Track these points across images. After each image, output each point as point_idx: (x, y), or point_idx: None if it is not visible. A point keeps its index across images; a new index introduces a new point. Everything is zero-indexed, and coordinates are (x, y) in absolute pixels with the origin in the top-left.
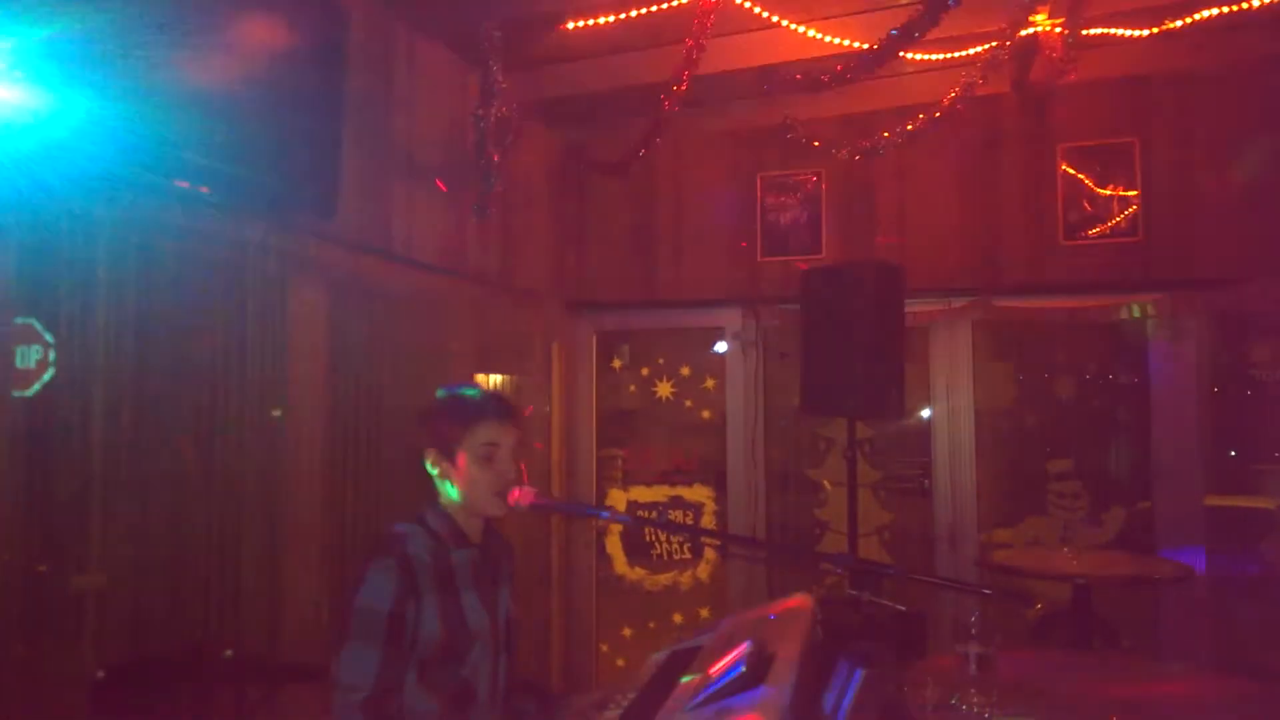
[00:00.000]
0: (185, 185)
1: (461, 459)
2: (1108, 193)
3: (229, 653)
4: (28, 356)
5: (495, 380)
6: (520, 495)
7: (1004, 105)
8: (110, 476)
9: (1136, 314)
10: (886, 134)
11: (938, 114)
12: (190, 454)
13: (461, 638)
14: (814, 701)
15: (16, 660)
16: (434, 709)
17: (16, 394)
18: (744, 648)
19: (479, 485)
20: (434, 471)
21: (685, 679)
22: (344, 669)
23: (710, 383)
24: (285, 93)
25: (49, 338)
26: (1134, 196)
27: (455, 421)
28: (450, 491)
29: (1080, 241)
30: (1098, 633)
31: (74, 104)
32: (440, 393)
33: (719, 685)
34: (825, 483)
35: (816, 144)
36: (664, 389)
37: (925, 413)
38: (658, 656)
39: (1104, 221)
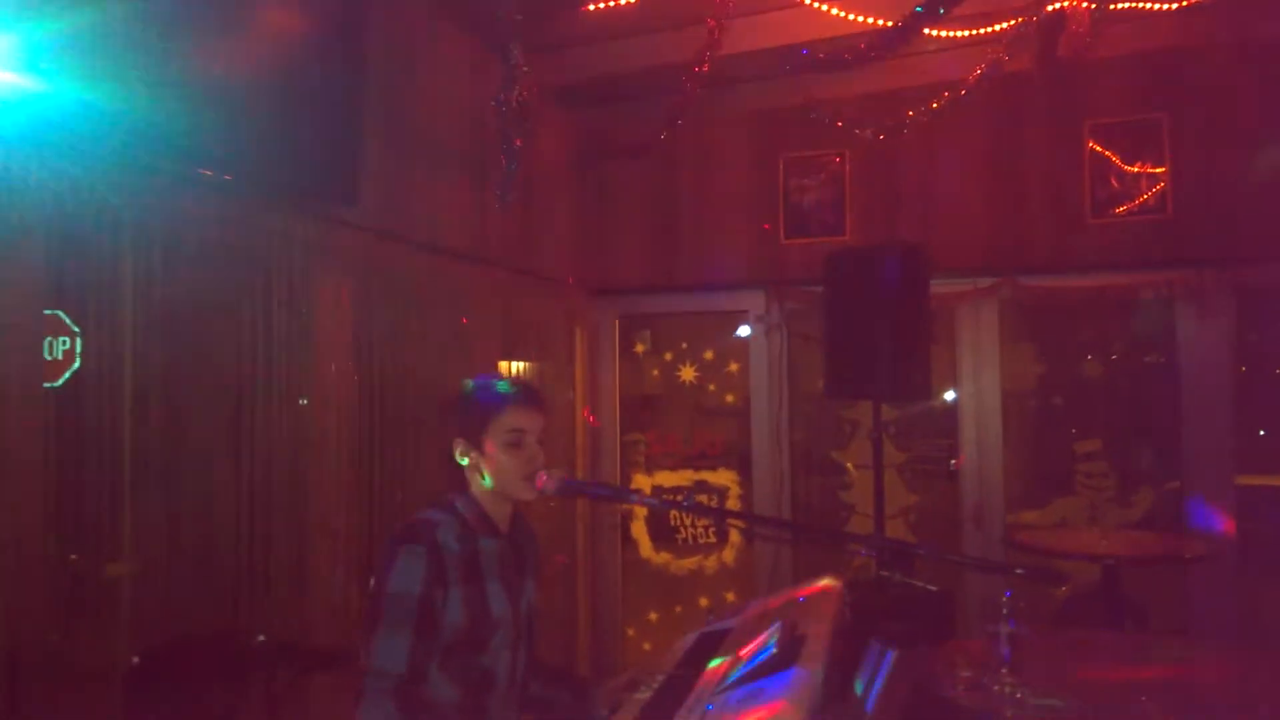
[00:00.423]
0: (209, 174)
1: (489, 447)
2: (1135, 169)
3: (261, 638)
4: (55, 348)
5: (518, 367)
6: (548, 479)
7: (1030, 82)
8: (140, 465)
9: (1165, 292)
10: (911, 113)
11: (963, 92)
12: (218, 442)
13: (484, 626)
14: (846, 683)
15: (52, 648)
16: (454, 696)
17: (45, 385)
18: (774, 630)
19: (507, 471)
20: (463, 461)
21: (715, 661)
22: (376, 654)
23: (734, 367)
24: (306, 80)
25: (75, 329)
26: (1162, 173)
27: (481, 410)
28: (479, 480)
29: (1108, 219)
30: (1127, 613)
31: (97, 95)
32: (465, 383)
33: (750, 667)
34: (850, 465)
35: (840, 124)
36: (687, 373)
37: (951, 394)
38: (686, 639)
39: (1132, 199)
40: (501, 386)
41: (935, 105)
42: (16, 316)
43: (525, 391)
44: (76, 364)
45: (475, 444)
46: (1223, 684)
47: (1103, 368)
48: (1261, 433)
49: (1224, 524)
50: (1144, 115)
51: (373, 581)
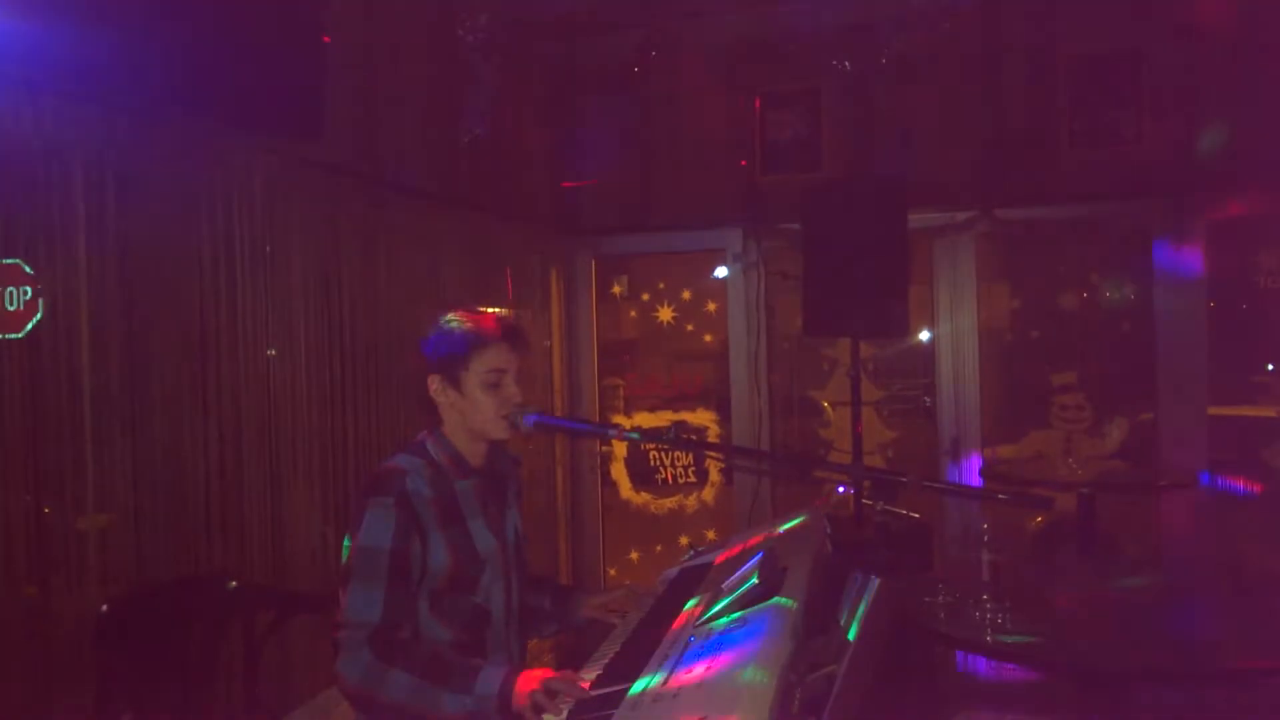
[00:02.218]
0: (165, 108)
1: (467, 385)
2: (1112, 102)
3: (233, 583)
4: (15, 298)
5: (493, 310)
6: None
7: (1007, 12)
8: (106, 415)
9: (1140, 224)
10: (888, 43)
11: (940, 21)
12: (185, 386)
13: (471, 565)
14: (828, 612)
15: (25, 601)
16: (449, 636)
17: (7, 336)
18: (755, 562)
19: (485, 410)
20: (440, 399)
21: (698, 593)
22: (350, 607)
23: (712, 306)
24: (266, 10)
25: (35, 276)
26: (1138, 105)
27: (460, 348)
28: (455, 418)
29: (1084, 151)
30: (1101, 541)
31: (41, 26)
32: (446, 318)
33: (732, 599)
34: (827, 404)
35: (815, 56)
36: (665, 314)
37: (928, 331)
38: (669, 573)
39: (1108, 130)
40: (481, 324)
41: (911, 36)
42: None
43: (507, 329)
44: (40, 314)
45: (453, 382)
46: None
47: (1078, 301)
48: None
49: (1197, 462)
50: (1120, 46)
51: (346, 535)
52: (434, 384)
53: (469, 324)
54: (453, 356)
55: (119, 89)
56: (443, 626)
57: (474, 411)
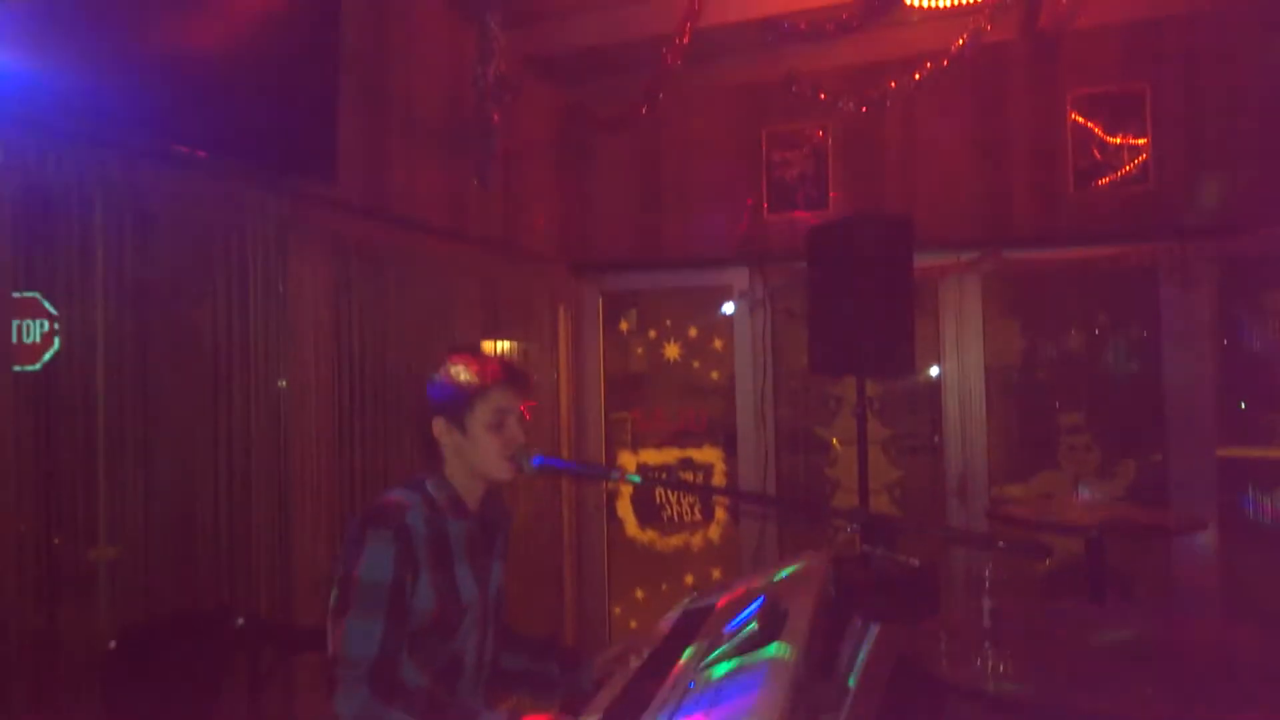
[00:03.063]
0: (182, 150)
1: (472, 427)
2: (1118, 140)
3: (240, 620)
4: (33, 331)
5: (502, 346)
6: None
7: (1012, 53)
8: (118, 448)
9: (1148, 264)
10: (893, 85)
11: (945, 63)
12: (197, 422)
13: (453, 611)
14: (828, 659)
15: (34, 631)
16: (423, 683)
17: (21, 368)
18: (757, 605)
19: (490, 452)
20: (445, 441)
21: (699, 637)
22: (348, 642)
23: (718, 343)
24: (281, 54)
25: (54, 311)
26: (1144, 144)
27: (464, 390)
28: (458, 460)
29: (1091, 191)
30: (1111, 585)
31: (64, 72)
32: (447, 361)
33: (732, 644)
34: (835, 441)
35: (822, 96)
36: (672, 350)
37: (935, 369)
38: (670, 616)
39: (1114, 170)
40: (485, 366)
41: (917, 77)
42: None
43: (510, 372)
44: (55, 347)
45: (458, 424)
46: (1205, 651)
47: (1086, 340)
48: (1243, 405)
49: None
50: (1125, 86)
51: (340, 566)
52: (438, 426)
53: (473, 367)
54: (457, 399)
55: (139, 133)
56: (418, 672)
57: (478, 453)
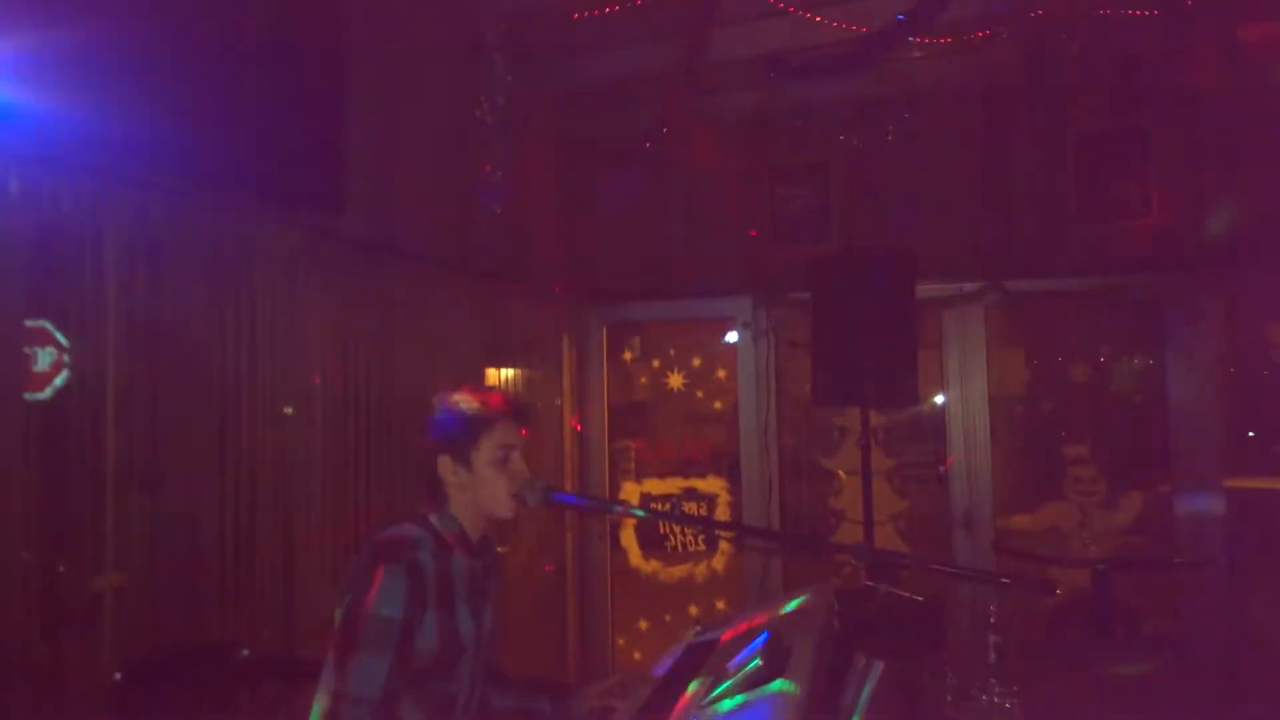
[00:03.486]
0: (192, 185)
1: (478, 464)
2: (1121, 174)
3: (245, 652)
4: (42, 359)
5: (506, 375)
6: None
7: (1015, 87)
8: (124, 476)
9: (1151, 295)
10: (895, 118)
11: (947, 97)
12: (203, 452)
13: (453, 651)
14: (832, 694)
15: (37, 661)
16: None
17: (31, 396)
18: (760, 641)
19: (496, 488)
20: (450, 479)
21: (703, 672)
22: (354, 679)
23: (722, 373)
24: (291, 89)
25: (63, 340)
26: (1147, 177)
27: (469, 427)
28: (463, 497)
29: (1094, 223)
30: (1118, 618)
31: (76, 108)
32: (452, 398)
33: (736, 680)
34: (840, 472)
35: (825, 130)
36: (675, 380)
37: (939, 399)
38: (673, 650)
39: (1117, 203)
40: (488, 403)
41: (919, 111)
42: None
43: (513, 407)
44: (64, 376)
45: (464, 461)
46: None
47: (1090, 371)
48: (1251, 434)
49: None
50: (1128, 120)
51: (347, 598)
52: (444, 464)
53: (476, 403)
54: (462, 436)
55: (150, 168)
56: (415, 712)
57: (484, 490)
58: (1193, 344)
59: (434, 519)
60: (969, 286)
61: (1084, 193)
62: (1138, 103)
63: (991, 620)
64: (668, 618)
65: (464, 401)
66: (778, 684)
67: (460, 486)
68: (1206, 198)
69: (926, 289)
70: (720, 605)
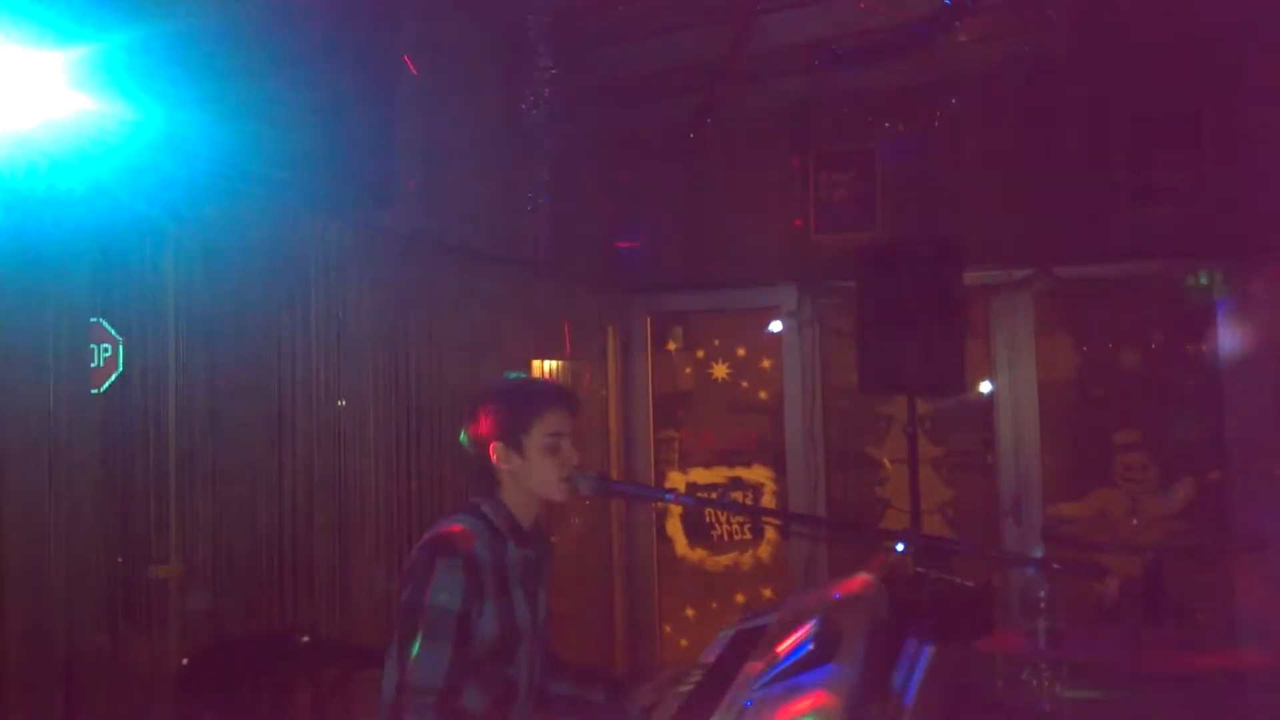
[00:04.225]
0: (248, 185)
1: (529, 450)
2: (1172, 157)
3: (305, 638)
4: (98, 355)
5: (550, 366)
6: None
7: (1062, 70)
8: (184, 469)
9: (1204, 280)
10: (941, 104)
11: (993, 81)
12: (260, 445)
13: (512, 636)
14: (883, 678)
15: (105, 651)
16: (482, 707)
17: (91, 391)
18: (811, 626)
19: (548, 474)
20: (503, 465)
21: (753, 658)
22: (417, 669)
23: (767, 363)
24: (341, 87)
25: (118, 336)
26: (1199, 160)
27: (521, 413)
28: (514, 484)
29: (1144, 207)
30: (1170, 607)
31: (136, 111)
32: (501, 385)
33: (787, 663)
34: (886, 460)
35: (869, 117)
36: (720, 370)
37: (987, 386)
38: (723, 636)
39: (1168, 187)
40: (540, 389)
41: (966, 96)
42: (64, 326)
43: (563, 394)
44: (119, 370)
45: (516, 447)
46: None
47: (1141, 357)
48: None
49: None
50: (1179, 102)
51: (406, 592)
52: (497, 451)
53: (529, 390)
54: (515, 422)
55: (207, 166)
56: (479, 696)
57: (535, 475)
58: (1246, 328)
59: (486, 508)
60: (1017, 273)
61: (1134, 177)
62: (1189, 85)
63: (1042, 606)
64: (714, 606)
65: (515, 388)
66: (829, 668)
67: (512, 473)
68: (1259, 181)
69: (973, 275)
70: (767, 594)
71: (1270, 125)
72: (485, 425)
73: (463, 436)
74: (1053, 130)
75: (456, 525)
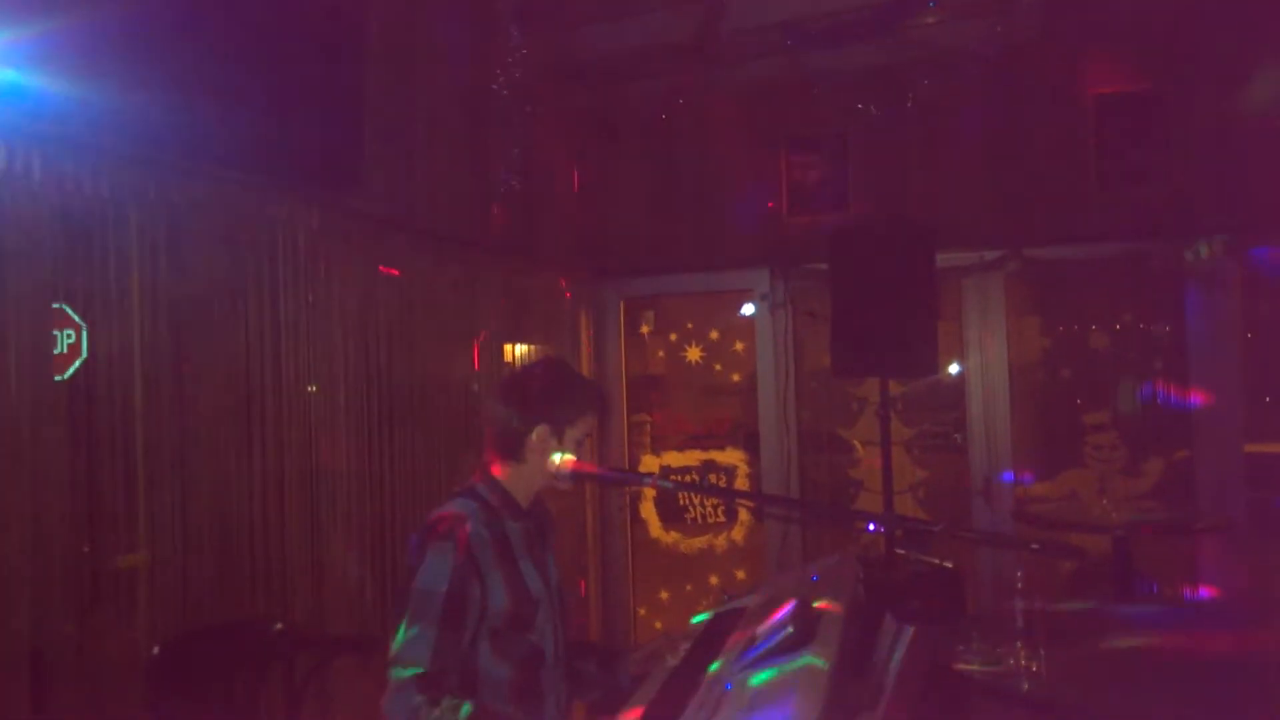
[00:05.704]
0: (211, 165)
1: (566, 441)
2: (1140, 139)
3: (279, 626)
4: (60, 341)
5: (522, 350)
6: (562, 463)
7: (1034, 51)
8: (151, 456)
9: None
10: (912, 85)
11: (965, 62)
12: (229, 431)
13: (526, 605)
14: (862, 659)
15: (72, 640)
16: (507, 674)
17: (54, 378)
18: (789, 608)
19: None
20: (536, 447)
21: (731, 640)
22: (402, 648)
23: (739, 346)
24: (306, 67)
25: (81, 322)
26: (1168, 142)
27: (576, 407)
28: (534, 462)
29: (1113, 190)
30: (1138, 584)
31: (95, 91)
32: (559, 371)
33: (767, 645)
34: (858, 443)
35: (841, 99)
36: (693, 353)
37: (957, 368)
38: (702, 617)
39: (1137, 169)
40: (593, 390)
41: (937, 77)
42: (25, 311)
43: (604, 399)
44: (83, 356)
45: (558, 435)
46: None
47: (1109, 338)
48: (1268, 400)
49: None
50: (1148, 84)
51: (403, 579)
52: (540, 431)
53: (585, 387)
54: (566, 414)
55: (170, 149)
56: (503, 666)
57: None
58: (1213, 309)
59: (481, 488)
60: (989, 254)
61: (1104, 158)
62: (1158, 65)
63: (1019, 586)
64: (688, 588)
65: (576, 382)
66: (809, 649)
67: (541, 454)
68: (1229, 163)
69: (946, 258)
70: (741, 576)
71: (1237, 107)
72: (539, 405)
73: (499, 405)
74: (1023, 112)
75: (449, 510)
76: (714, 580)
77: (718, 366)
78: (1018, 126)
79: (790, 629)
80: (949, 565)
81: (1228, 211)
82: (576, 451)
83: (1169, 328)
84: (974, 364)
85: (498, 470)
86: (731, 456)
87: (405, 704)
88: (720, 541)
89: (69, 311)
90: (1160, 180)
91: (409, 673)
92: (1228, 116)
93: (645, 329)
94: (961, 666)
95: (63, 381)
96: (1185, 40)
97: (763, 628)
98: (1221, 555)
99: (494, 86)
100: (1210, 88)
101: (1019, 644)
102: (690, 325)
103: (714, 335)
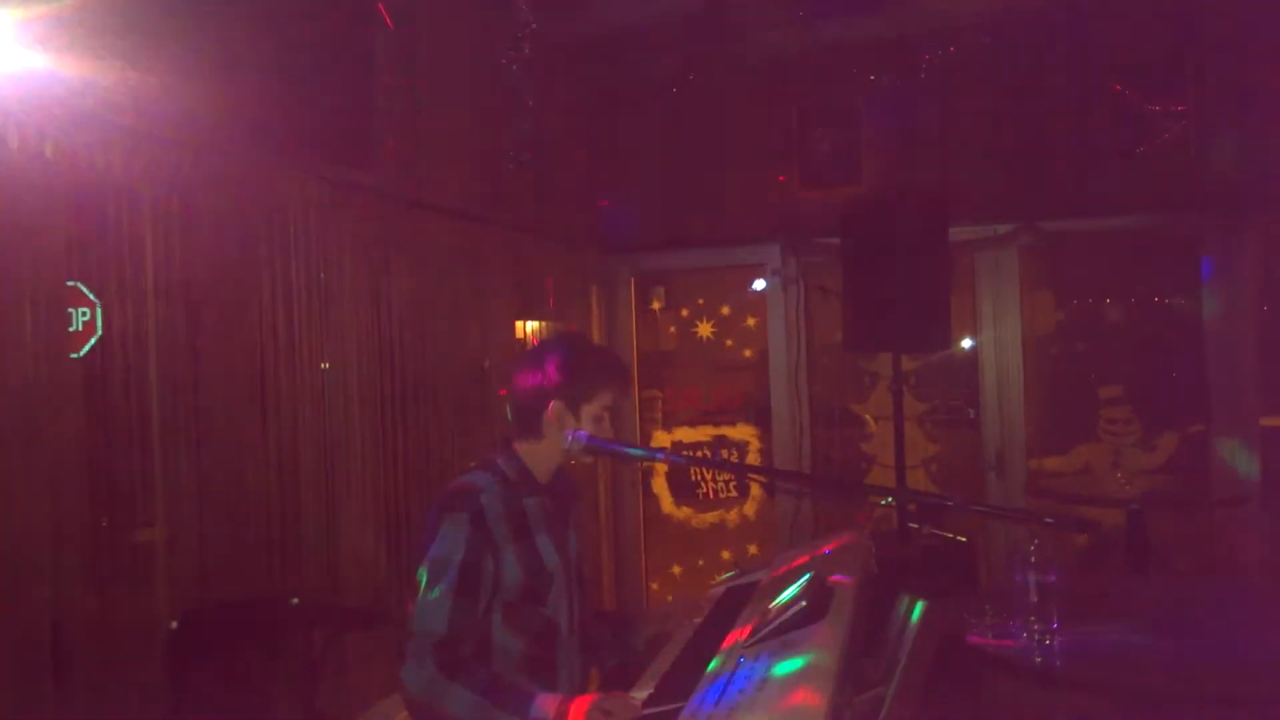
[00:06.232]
0: (224, 142)
1: (583, 416)
2: (1157, 110)
3: (295, 600)
4: (75, 319)
5: (533, 326)
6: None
7: (1049, 21)
8: (168, 432)
9: (1187, 234)
10: (926, 57)
11: (980, 33)
12: (243, 407)
13: (540, 579)
14: (875, 633)
15: (92, 614)
16: (520, 647)
17: (69, 355)
18: (802, 583)
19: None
20: (553, 421)
21: (745, 615)
22: (419, 616)
23: (751, 321)
24: (318, 44)
25: (95, 299)
26: (1184, 113)
27: (592, 382)
28: (552, 437)
29: (1129, 161)
30: (1152, 558)
31: (108, 68)
32: (575, 344)
33: (781, 619)
34: (870, 417)
35: (854, 71)
36: (704, 329)
37: (970, 342)
38: (714, 592)
39: (1153, 140)
40: (613, 364)
41: (951, 49)
42: (41, 289)
43: (626, 373)
44: (98, 334)
45: (574, 411)
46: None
47: (1124, 312)
48: None
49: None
50: (1165, 54)
51: (420, 551)
52: (556, 408)
53: (602, 361)
54: (583, 389)
55: (183, 125)
56: (515, 638)
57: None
58: (1229, 282)
59: (500, 462)
60: (1002, 228)
61: (1120, 130)
62: (1175, 35)
63: (1033, 560)
64: (700, 563)
65: (591, 356)
66: (822, 623)
67: (558, 429)
68: (1247, 134)
69: (959, 231)
70: (753, 550)
71: (1261, 75)
72: (553, 380)
73: (515, 380)
74: (1038, 83)
75: (465, 482)
76: (726, 555)
77: (729, 342)
78: (1032, 98)
79: (803, 603)
80: (962, 539)
81: (1245, 182)
82: (597, 427)
83: (1184, 300)
84: (987, 338)
85: (517, 444)
86: (743, 432)
87: (422, 674)
88: (732, 516)
89: (83, 289)
90: (1178, 153)
91: (428, 640)
92: (1245, 84)
93: (656, 305)
94: (974, 640)
95: (78, 359)
96: (1205, 8)
97: (776, 603)
98: (1237, 530)
99: (504, 61)
100: (1227, 56)
101: (1033, 618)
102: (701, 301)
103: (725, 311)
